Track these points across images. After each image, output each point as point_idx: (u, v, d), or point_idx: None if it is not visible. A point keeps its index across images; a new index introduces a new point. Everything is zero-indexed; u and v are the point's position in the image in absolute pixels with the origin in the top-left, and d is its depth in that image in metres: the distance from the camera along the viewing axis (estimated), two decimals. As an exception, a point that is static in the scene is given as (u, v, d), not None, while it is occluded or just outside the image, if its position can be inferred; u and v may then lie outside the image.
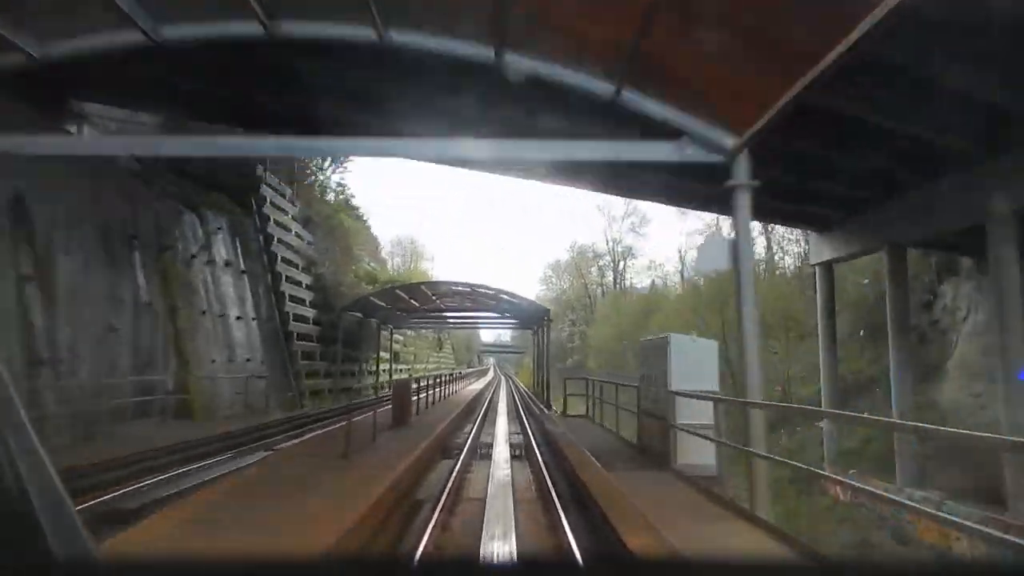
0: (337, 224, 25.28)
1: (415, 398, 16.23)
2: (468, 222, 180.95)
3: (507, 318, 28.07)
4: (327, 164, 26.06)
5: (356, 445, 9.11)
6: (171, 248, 13.79)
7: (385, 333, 32.51)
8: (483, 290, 23.23)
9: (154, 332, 12.45)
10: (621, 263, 59.28)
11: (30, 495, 0.66)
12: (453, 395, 23.13)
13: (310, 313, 21.84)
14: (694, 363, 7.05)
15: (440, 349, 67.77)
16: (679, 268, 50.01)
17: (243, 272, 17.54)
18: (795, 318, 31.64)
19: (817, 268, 21.57)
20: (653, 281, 52.59)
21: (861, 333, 26.51)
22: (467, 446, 10.90)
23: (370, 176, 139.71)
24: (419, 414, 14.28)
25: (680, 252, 49.45)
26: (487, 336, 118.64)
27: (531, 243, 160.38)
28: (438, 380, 19.97)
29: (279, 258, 20.02)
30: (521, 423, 14.90)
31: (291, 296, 20.31)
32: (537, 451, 9.81)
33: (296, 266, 21.61)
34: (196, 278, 14.67)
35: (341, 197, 37.96)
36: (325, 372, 21.60)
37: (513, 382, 53.88)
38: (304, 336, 20.75)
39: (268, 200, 20.27)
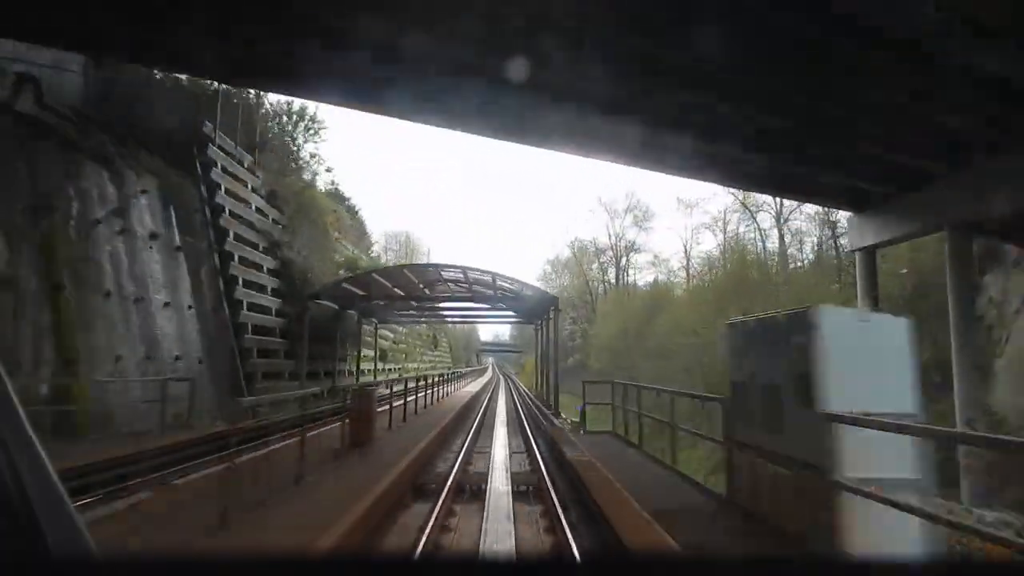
0: (309, 200, 21.79)
1: (393, 406, 12.85)
2: (465, 219, 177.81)
3: (506, 310, 24.67)
4: (297, 129, 22.55)
5: (275, 485, 5.80)
6: (58, 209, 10.31)
7: (368, 328, 29.09)
8: (478, 275, 19.75)
9: (18, 318, 8.99)
10: (623, 259, 56.34)
11: (29, 494, 0.66)
12: (445, 399, 19.69)
13: (272, 303, 18.37)
14: (871, 360, 3.66)
15: (436, 348, 64.22)
16: (684, 263, 47.73)
17: (178, 248, 14.07)
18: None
19: (857, 254, 18.67)
20: (656, 278, 50.08)
21: (901, 329, 23.49)
22: (450, 482, 7.49)
23: (360, 165, 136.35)
24: (391, 429, 10.85)
25: (686, 246, 47.19)
26: (485, 335, 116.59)
27: (531, 240, 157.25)
28: (424, 382, 16.53)
29: (231, 235, 16.56)
30: (527, 441, 11.45)
31: (246, 281, 16.84)
32: (555, 498, 6.37)
33: (256, 246, 18.14)
34: (99, 250, 11.21)
35: (331, 184, 34.49)
36: (290, 373, 18.14)
37: (513, 383, 50.60)
38: (262, 329, 17.28)
39: (219, 165, 16.81)
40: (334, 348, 20.67)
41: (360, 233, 37.92)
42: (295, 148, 22.51)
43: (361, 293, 18.46)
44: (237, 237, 16.93)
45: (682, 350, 30.25)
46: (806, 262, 38.08)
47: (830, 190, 15.98)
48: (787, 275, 35.69)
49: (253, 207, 18.71)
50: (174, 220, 14.16)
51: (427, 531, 5.28)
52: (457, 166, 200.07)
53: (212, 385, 14.19)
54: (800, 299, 29.00)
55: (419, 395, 15.67)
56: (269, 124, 21.44)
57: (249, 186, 18.84)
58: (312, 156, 23.52)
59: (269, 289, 18.42)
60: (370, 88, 9.27)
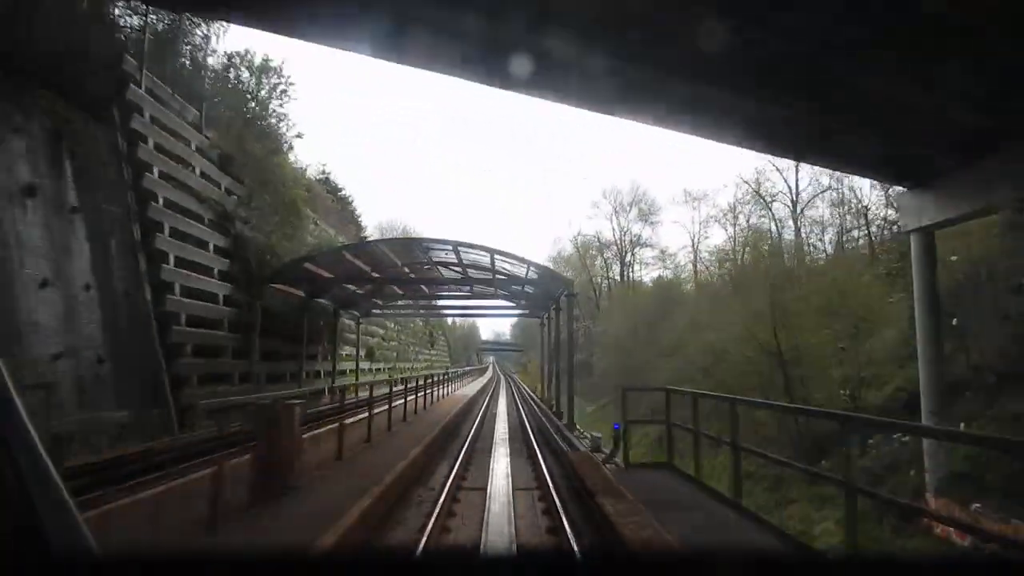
0: (275, 170, 18.25)
1: (357, 418, 9.46)
2: (465, 216, 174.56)
3: (507, 299, 21.12)
4: (260, 86, 18.89)
5: None
6: None
7: (350, 322, 25.55)
8: (473, 254, 16.16)
9: None
10: (629, 254, 53.16)
11: (31, 493, 0.66)
12: (436, 404, 16.24)
13: (220, 288, 14.89)
14: None
15: (432, 346, 60.69)
16: (691, 258, 44.96)
17: (74, 210, 10.62)
18: (862, 303, 24.46)
19: (912, 236, 15.71)
20: (661, 274, 47.76)
21: (954, 322, 20.36)
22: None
23: (355, 160, 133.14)
24: (342, 460, 7.40)
25: (694, 241, 44.65)
26: (486, 333, 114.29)
27: (532, 238, 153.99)
28: (404, 386, 13.08)
29: (160, 200, 13.08)
30: (539, 479, 7.91)
31: (181, 260, 13.36)
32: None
33: (200, 219, 14.68)
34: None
35: (322, 173, 31.39)
36: (242, 375, 14.67)
37: (514, 383, 47.27)
38: (204, 321, 13.79)
39: (146, 113, 13.34)
40: (301, 344, 17.16)
41: (346, 218, 34.38)
42: (256, 107, 18.94)
43: (328, 275, 14.98)
44: (169, 204, 13.45)
45: (703, 348, 27.06)
46: (826, 252, 35.01)
47: (882, 160, 13.08)
48: (808, 266, 32.57)
49: (197, 171, 15.23)
50: (69, 172, 10.69)
51: None
52: (457, 162, 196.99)
53: (119, 393, 10.72)
54: (838, 290, 25.50)
55: (408, 399, 12.27)
56: (223, 75, 17.95)
57: (193, 146, 15.37)
58: (278, 118, 19.88)
59: (216, 271, 14.94)
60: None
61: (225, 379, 14.17)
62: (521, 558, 1.32)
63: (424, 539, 5.15)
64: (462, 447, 10.50)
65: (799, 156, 24.25)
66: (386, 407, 11.10)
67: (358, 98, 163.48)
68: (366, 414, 9.82)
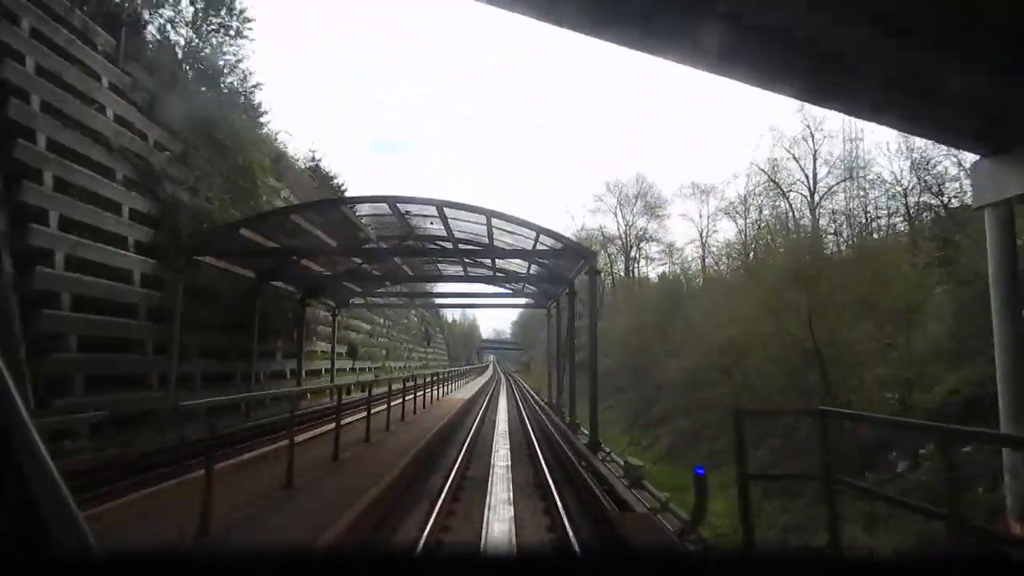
0: (224, 126, 14.77)
1: (307, 436, 6.09)
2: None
3: (507, 280, 17.62)
4: (206, 23, 15.25)
5: None
6: None
7: (326, 314, 22.09)
8: (464, 219, 12.53)
9: None
10: (633, 249, 49.81)
11: (31, 492, 0.66)
12: (421, 413, 12.87)
13: (137, 265, 11.46)
14: None
15: (429, 344, 57.17)
16: (699, 253, 41.90)
17: None
18: (907, 294, 20.88)
19: (987, 212, 12.29)
20: (666, 270, 44.80)
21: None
22: None
23: (351, 151, 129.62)
24: (237, 521, 3.98)
25: (702, 235, 41.67)
26: (486, 331, 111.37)
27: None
28: (366, 394, 9.68)
29: (41, 141, 9.67)
30: None
31: (69, 222, 9.94)
32: None
33: (111, 174, 11.28)
34: None
35: (312, 161, 28.27)
36: (162, 378, 11.25)
37: (515, 383, 43.94)
38: (102, 305, 10.35)
39: (23, 23, 9.91)
40: (251, 338, 13.69)
41: (322, 187, 30.99)
42: (198, 42, 15.40)
43: (271, 245, 11.54)
44: (57, 147, 10.02)
45: (721, 346, 23.85)
46: (850, 241, 31.87)
47: (960, 118, 9.64)
48: (837, 256, 29.39)
49: (110, 114, 11.80)
50: None
51: None
52: (457, 162, 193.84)
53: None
54: (883, 279, 22.00)
55: (383, 409, 8.91)
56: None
57: (105, 81, 11.94)
58: (230, 64, 16.33)
59: (131, 242, 11.52)
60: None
61: (137, 382, 10.76)
62: (522, 556, 1.34)
63: None
64: (443, 486, 7.10)
65: (869, 116, 20.79)
66: (357, 416, 7.71)
67: (356, 97, 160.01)
68: (327, 427, 6.45)
